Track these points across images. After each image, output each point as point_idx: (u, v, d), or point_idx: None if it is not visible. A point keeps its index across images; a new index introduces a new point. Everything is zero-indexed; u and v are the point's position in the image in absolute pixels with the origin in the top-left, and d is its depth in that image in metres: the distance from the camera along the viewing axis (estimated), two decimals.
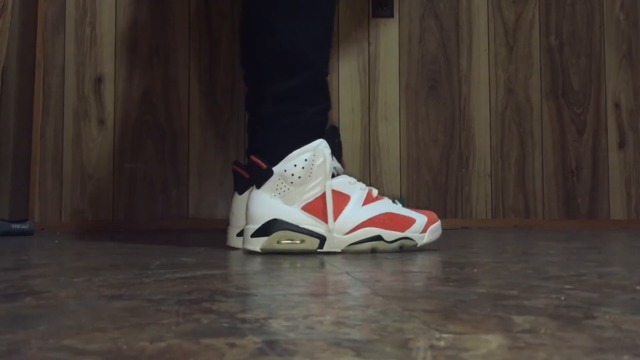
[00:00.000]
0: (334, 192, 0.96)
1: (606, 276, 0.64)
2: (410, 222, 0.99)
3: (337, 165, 1.02)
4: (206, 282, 0.62)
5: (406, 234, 0.98)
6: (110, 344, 0.33)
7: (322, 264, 0.78)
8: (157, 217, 1.93)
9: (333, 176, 0.97)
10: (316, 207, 0.94)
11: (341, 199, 0.96)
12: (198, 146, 1.96)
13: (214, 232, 1.46)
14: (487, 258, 0.86)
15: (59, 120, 1.93)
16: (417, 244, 0.99)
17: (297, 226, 0.94)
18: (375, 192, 1.00)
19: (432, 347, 0.32)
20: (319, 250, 0.95)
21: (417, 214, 1.00)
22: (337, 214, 0.95)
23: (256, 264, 0.81)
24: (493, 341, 0.34)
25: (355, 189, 0.98)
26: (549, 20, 2.06)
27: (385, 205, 0.99)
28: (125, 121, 1.94)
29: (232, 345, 0.33)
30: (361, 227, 0.96)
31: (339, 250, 0.96)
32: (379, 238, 0.96)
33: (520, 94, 2.04)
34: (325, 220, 0.94)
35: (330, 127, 1.03)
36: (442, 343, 0.33)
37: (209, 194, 1.93)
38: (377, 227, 0.97)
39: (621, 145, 2.03)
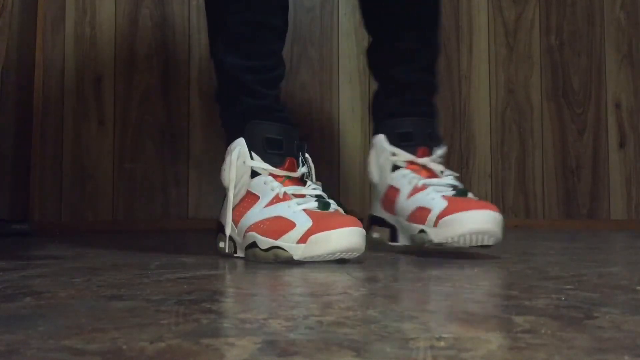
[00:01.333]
0: (248, 192, 0.88)
1: (606, 276, 0.64)
2: (288, 227, 0.80)
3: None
4: (206, 282, 0.62)
5: (278, 242, 0.80)
6: (110, 344, 0.33)
7: (323, 265, 0.78)
8: (157, 217, 1.92)
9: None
10: (235, 210, 0.90)
11: (251, 200, 0.88)
12: (198, 146, 1.95)
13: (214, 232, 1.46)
14: (487, 258, 0.86)
15: (59, 120, 1.93)
16: (292, 257, 0.78)
17: (225, 228, 0.91)
18: (281, 191, 0.85)
19: (432, 347, 0.32)
20: (234, 255, 0.90)
21: (306, 218, 0.79)
22: (240, 216, 0.88)
23: (256, 264, 0.81)
24: (493, 341, 0.34)
25: (266, 189, 0.87)
26: (549, 20, 2.06)
27: (282, 208, 0.83)
28: (125, 121, 1.94)
29: (232, 345, 0.33)
30: (247, 232, 0.85)
31: (243, 255, 0.87)
32: (254, 245, 0.83)
33: (520, 94, 2.04)
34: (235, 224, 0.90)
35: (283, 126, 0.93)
36: (442, 343, 0.33)
37: (209, 194, 1.93)
38: (256, 232, 0.84)
39: (621, 145, 2.03)
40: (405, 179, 0.96)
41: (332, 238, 0.76)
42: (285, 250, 0.78)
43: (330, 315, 0.42)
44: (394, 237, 0.98)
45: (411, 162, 0.98)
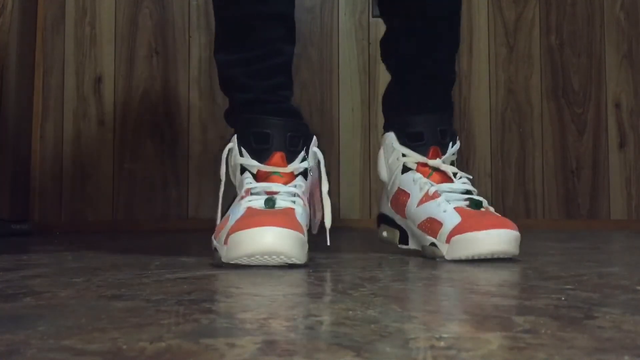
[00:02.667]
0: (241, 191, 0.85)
1: (606, 276, 0.64)
2: (222, 226, 0.78)
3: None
4: (206, 282, 0.62)
5: (214, 242, 0.79)
6: (110, 344, 0.33)
7: (322, 265, 0.78)
8: (157, 217, 1.92)
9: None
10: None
11: (237, 199, 0.84)
12: (198, 146, 1.95)
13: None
14: (487, 258, 0.85)
15: (59, 120, 1.93)
16: (221, 258, 0.75)
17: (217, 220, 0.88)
18: (248, 187, 0.81)
19: (432, 347, 0.32)
20: None
21: (236, 217, 0.76)
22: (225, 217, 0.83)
23: (254, 266, 0.81)
24: (493, 341, 0.34)
25: (241, 188, 0.83)
26: (549, 20, 2.06)
27: (234, 209, 0.79)
28: (125, 121, 1.94)
29: (232, 345, 0.33)
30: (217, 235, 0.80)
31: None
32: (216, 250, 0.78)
33: (520, 94, 2.04)
34: None
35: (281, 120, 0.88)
36: (442, 343, 0.33)
37: (209, 194, 1.93)
38: (214, 236, 0.80)
39: (621, 145, 2.03)
40: (416, 185, 0.90)
41: (243, 241, 0.71)
42: (217, 251, 0.76)
43: (330, 315, 0.42)
44: (404, 239, 0.93)
45: (422, 164, 0.92)
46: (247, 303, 0.49)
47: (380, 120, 2.09)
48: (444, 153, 0.93)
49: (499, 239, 0.78)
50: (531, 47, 2.05)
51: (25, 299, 0.50)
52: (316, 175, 0.88)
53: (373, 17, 2.02)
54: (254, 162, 0.84)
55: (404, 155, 0.94)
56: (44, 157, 1.92)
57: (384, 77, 2.01)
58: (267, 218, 0.72)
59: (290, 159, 0.85)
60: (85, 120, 1.93)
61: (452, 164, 0.93)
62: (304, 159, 0.86)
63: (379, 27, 2.03)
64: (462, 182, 0.90)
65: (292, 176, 0.84)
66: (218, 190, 0.88)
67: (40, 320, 0.40)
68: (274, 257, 0.72)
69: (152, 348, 0.32)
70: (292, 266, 0.73)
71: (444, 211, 0.84)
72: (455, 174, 0.91)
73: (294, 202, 0.79)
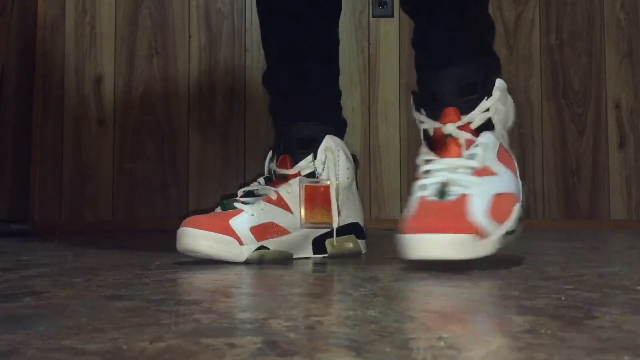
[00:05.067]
0: None
1: (606, 276, 0.64)
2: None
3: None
4: (206, 282, 0.62)
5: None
6: (110, 344, 0.33)
7: (323, 265, 0.78)
8: (157, 217, 1.92)
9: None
10: None
11: None
12: (198, 146, 1.95)
13: None
14: (487, 258, 0.85)
15: (59, 120, 1.93)
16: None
17: None
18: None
19: (432, 347, 0.32)
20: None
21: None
22: None
23: (256, 264, 0.81)
24: (493, 341, 0.34)
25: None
26: (549, 20, 2.06)
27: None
28: (124, 121, 1.94)
29: (232, 346, 0.33)
30: None
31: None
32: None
33: (520, 94, 2.04)
34: None
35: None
36: (442, 343, 0.33)
37: (209, 194, 1.93)
38: None
39: (621, 145, 2.02)
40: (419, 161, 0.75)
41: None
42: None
43: (330, 315, 0.42)
44: None
45: (439, 130, 0.74)
46: (247, 303, 0.49)
47: (381, 119, 2.08)
48: (466, 112, 0.74)
49: (425, 245, 0.64)
50: (531, 47, 2.05)
51: (25, 299, 0.50)
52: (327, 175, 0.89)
53: (373, 17, 2.02)
54: (273, 165, 0.90)
55: (421, 122, 0.77)
56: (43, 157, 1.92)
57: (384, 77, 2.02)
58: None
59: (292, 161, 0.89)
60: (85, 120, 1.93)
61: (486, 123, 0.74)
62: (311, 160, 0.88)
63: (379, 27, 2.03)
64: (468, 156, 0.71)
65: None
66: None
67: (40, 320, 0.40)
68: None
69: (152, 348, 0.32)
70: (291, 267, 0.73)
71: (411, 201, 0.70)
72: (469, 142, 0.72)
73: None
